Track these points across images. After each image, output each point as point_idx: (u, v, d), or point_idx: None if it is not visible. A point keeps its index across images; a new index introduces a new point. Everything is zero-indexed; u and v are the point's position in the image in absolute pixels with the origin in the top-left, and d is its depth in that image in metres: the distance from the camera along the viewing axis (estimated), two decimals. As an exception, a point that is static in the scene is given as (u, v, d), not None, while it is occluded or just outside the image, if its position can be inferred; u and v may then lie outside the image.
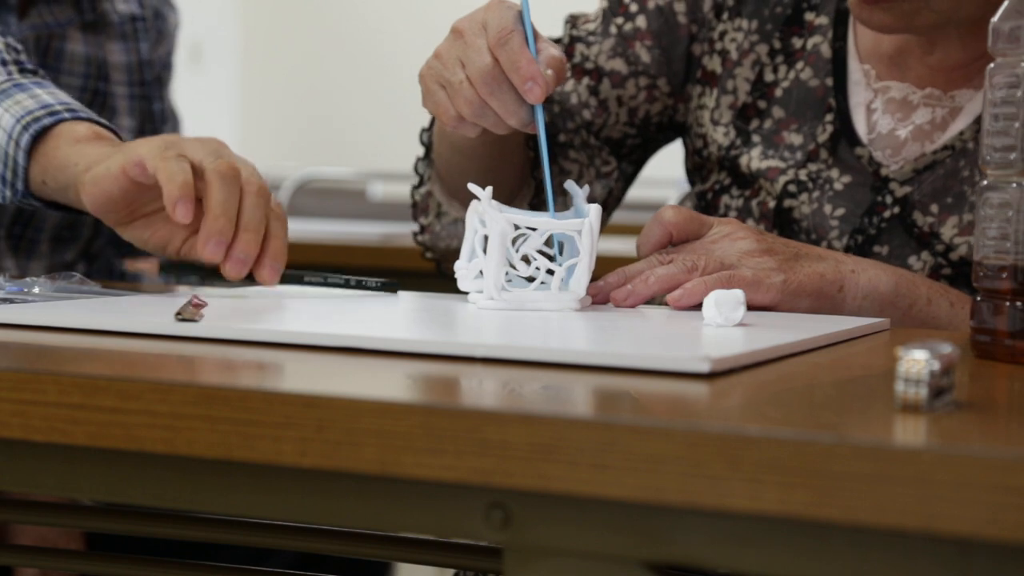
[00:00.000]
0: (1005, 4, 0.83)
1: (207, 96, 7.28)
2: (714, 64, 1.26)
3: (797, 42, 1.23)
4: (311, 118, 7.40)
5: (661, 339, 0.88)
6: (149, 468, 0.70)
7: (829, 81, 1.21)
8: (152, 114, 1.69)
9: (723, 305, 0.91)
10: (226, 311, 0.92)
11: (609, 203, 1.31)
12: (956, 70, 1.18)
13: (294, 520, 0.79)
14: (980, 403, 0.69)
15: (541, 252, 1.02)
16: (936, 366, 0.63)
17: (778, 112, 1.22)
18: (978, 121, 1.16)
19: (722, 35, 1.26)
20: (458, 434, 0.62)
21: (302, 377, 0.75)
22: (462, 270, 1.03)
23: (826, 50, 1.22)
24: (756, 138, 1.23)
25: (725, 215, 1.22)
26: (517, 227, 1.00)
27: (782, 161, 1.21)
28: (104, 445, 0.68)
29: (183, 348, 0.81)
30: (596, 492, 0.60)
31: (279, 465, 0.65)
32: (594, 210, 1.00)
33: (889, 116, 1.19)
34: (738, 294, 0.92)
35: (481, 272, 1.01)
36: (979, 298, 0.85)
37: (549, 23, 1.30)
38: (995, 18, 0.83)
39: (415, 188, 1.30)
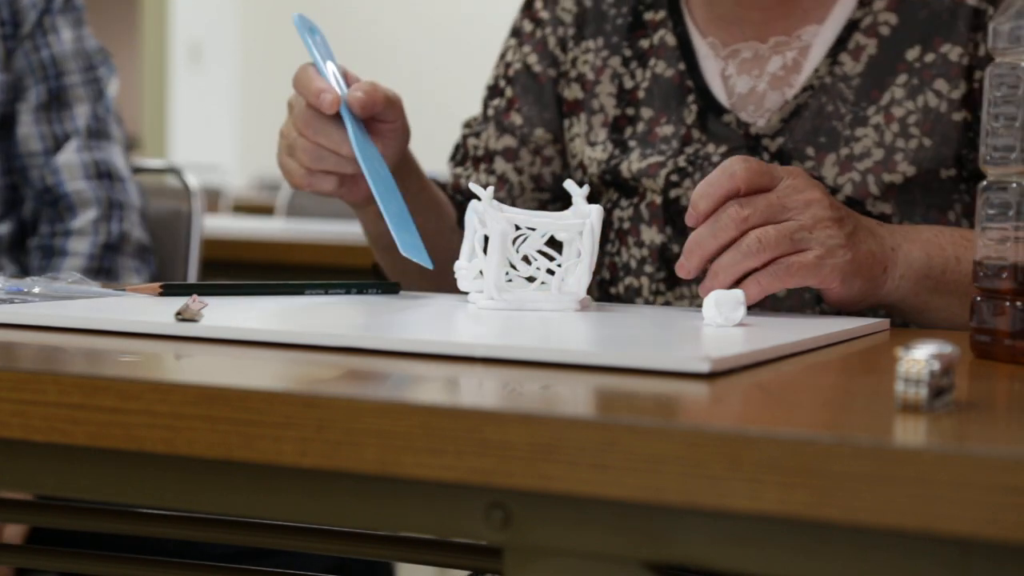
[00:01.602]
0: (1005, 4, 0.83)
1: (207, 96, 7.28)
2: (574, 92, 1.28)
3: (644, 43, 1.25)
4: (311, 118, 7.39)
5: (661, 339, 0.88)
6: (149, 468, 0.70)
7: (682, 66, 1.23)
8: (42, 61, 1.69)
9: (723, 305, 0.91)
10: (226, 311, 0.92)
11: None
12: (790, 2, 1.19)
13: (294, 520, 0.78)
14: (980, 403, 0.69)
15: (541, 252, 1.02)
16: (936, 366, 0.63)
17: (647, 112, 1.24)
18: (831, 55, 1.17)
19: (574, 62, 1.29)
20: (458, 434, 0.62)
21: (302, 377, 0.75)
22: (462, 270, 1.03)
23: (671, 39, 1.24)
24: (632, 143, 1.24)
25: (621, 229, 1.23)
26: (517, 227, 1.01)
27: (661, 155, 1.22)
28: (104, 445, 0.68)
29: (183, 348, 0.81)
30: (596, 492, 0.60)
31: (279, 465, 0.65)
32: (595, 210, 1.00)
33: (745, 76, 1.21)
34: (738, 294, 0.92)
35: (481, 272, 1.01)
36: (979, 298, 0.85)
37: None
38: (995, 18, 0.83)
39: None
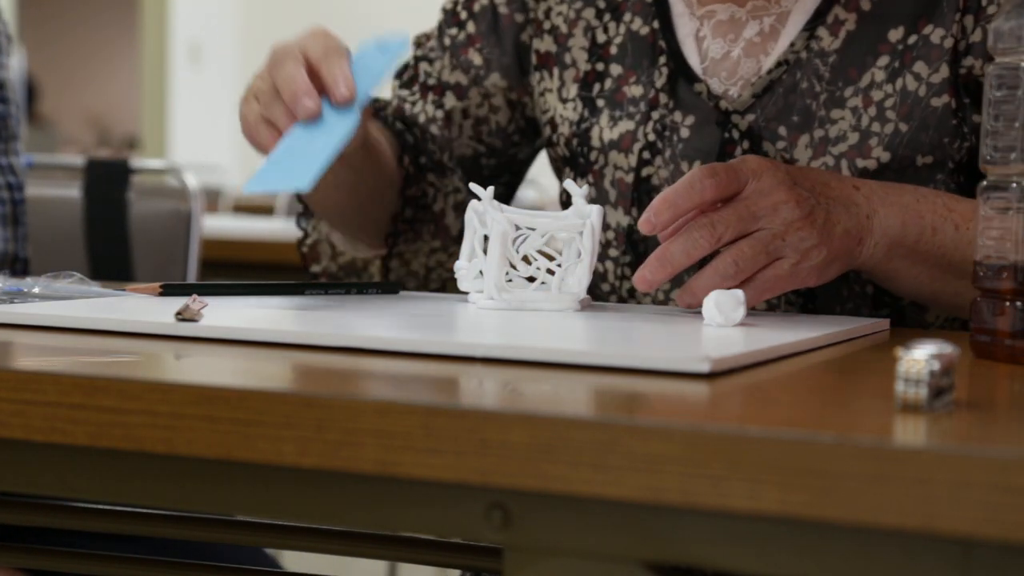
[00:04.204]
0: (1005, 4, 0.83)
1: (207, 96, 7.28)
2: (547, 44, 1.25)
3: None
4: (311, 118, 7.39)
5: (661, 339, 0.88)
6: (149, 468, 0.70)
7: (656, 23, 1.19)
8: None
9: (723, 305, 0.91)
10: (226, 311, 0.92)
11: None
12: None
13: (294, 520, 0.79)
14: (980, 403, 0.69)
15: (541, 252, 1.02)
16: (936, 366, 0.63)
17: (616, 69, 1.20)
18: (808, 28, 1.13)
19: (547, 13, 1.25)
20: (458, 434, 0.62)
21: (302, 377, 0.75)
22: (462, 270, 1.03)
23: None
24: (600, 102, 1.20)
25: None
26: (517, 227, 1.01)
27: (630, 119, 1.18)
28: (104, 445, 0.68)
29: (183, 348, 0.81)
30: (596, 492, 0.60)
31: (279, 465, 0.65)
32: (595, 210, 1.00)
33: (720, 39, 1.17)
34: (738, 294, 0.92)
35: (481, 272, 1.01)
36: (979, 298, 0.85)
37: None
38: (995, 19, 0.83)
39: (300, 242, 1.29)
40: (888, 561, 0.59)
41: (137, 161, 1.94)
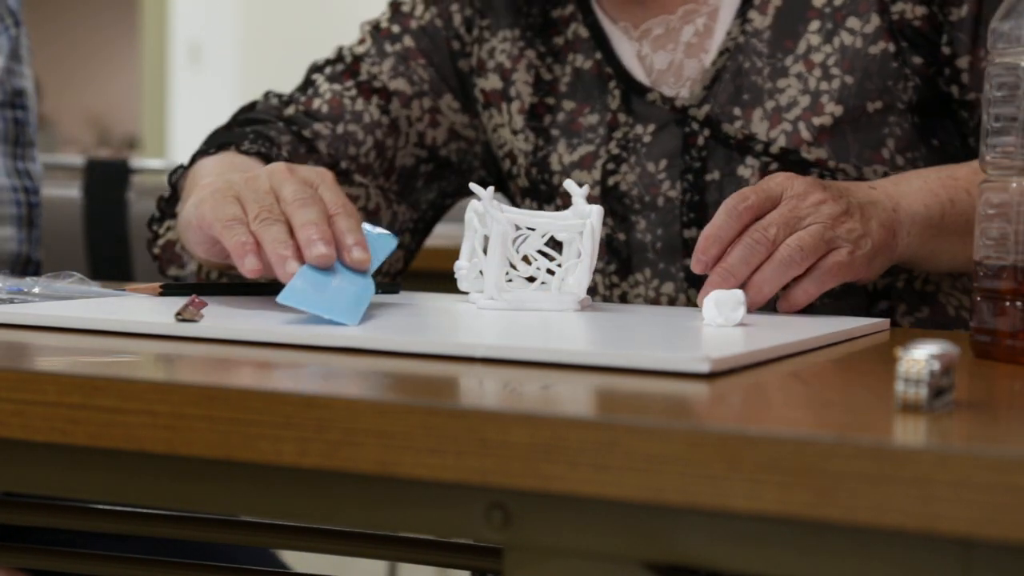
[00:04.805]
0: (1005, 4, 0.83)
1: (207, 96, 7.28)
2: (493, 82, 1.28)
3: (559, 40, 1.26)
4: (311, 118, 7.38)
5: (661, 339, 0.88)
6: (149, 468, 0.70)
7: (598, 55, 1.23)
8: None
9: (723, 305, 0.91)
10: (226, 311, 0.92)
11: (393, 229, 1.28)
12: None
13: (294, 520, 0.79)
14: (980, 403, 0.69)
15: (541, 252, 1.02)
16: (936, 366, 0.63)
17: (568, 104, 1.24)
18: (739, 16, 1.18)
19: (491, 52, 1.28)
20: (458, 434, 0.62)
21: (302, 377, 0.75)
22: (462, 270, 1.03)
23: (583, 31, 1.24)
24: (555, 132, 1.24)
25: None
26: (517, 227, 1.01)
27: (590, 144, 1.22)
28: (104, 445, 0.68)
29: (183, 348, 0.81)
30: (596, 492, 0.60)
31: (279, 465, 0.65)
32: (595, 210, 1.01)
33: (661, 51, 1.21)
34: (738, 294, 0.92)
35: (481, 272, 1.01)
36: (979, 298, 0.85)
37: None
38: (995, 18, 0.83)
39: (152, 242, 1.23)
40: (888, 561, 0.59)
41: (137, 161, 1.94)
